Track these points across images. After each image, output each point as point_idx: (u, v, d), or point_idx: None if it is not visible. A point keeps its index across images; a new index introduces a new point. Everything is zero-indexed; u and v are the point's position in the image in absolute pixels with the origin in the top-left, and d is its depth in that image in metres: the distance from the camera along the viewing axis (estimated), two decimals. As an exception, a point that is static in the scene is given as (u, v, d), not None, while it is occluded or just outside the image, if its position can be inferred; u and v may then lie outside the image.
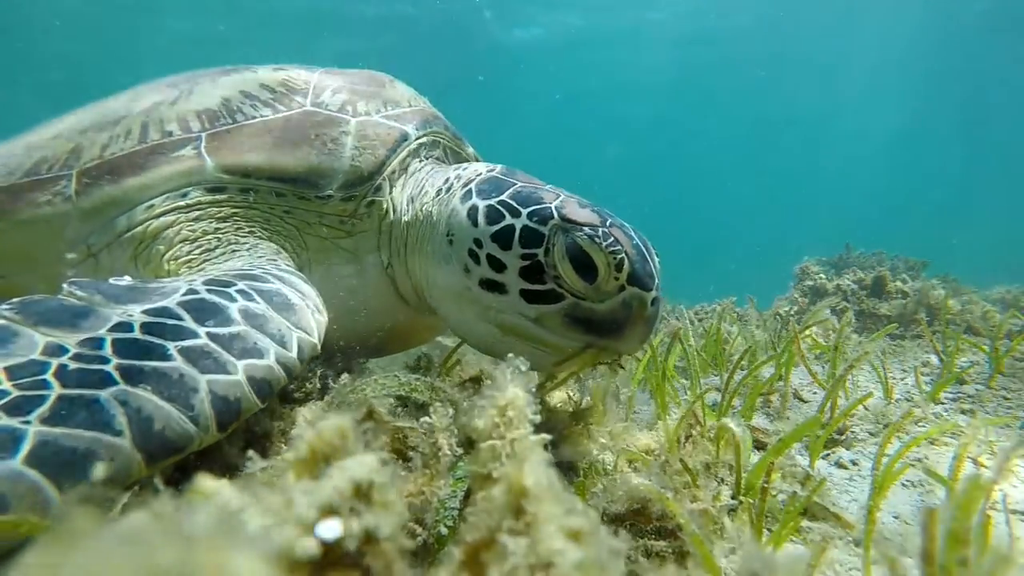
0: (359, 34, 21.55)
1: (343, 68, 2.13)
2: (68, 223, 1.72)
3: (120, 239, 1.72)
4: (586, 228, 1.45)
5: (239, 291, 1.30)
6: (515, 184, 1.60)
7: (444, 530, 0.92)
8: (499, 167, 1.73)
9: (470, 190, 1.64)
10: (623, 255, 1.43)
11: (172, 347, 1.09)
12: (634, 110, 37.11)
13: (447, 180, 1.76)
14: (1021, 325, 3.46)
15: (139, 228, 1.70)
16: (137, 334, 1.11)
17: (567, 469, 1.42)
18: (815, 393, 2.40)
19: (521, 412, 0.65)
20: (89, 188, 1.71)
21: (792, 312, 4.70)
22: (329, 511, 0.54)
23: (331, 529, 0.53)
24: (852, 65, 28.61)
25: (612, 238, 1.44)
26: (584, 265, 1.44)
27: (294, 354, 1.24)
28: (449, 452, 0.97)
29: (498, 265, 1.51)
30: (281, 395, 1.48)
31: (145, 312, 1.18)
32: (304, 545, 0.51)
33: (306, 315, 1.35)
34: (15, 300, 1.14)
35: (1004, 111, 32.88)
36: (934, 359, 2.75)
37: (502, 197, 1.56)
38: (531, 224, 1.49)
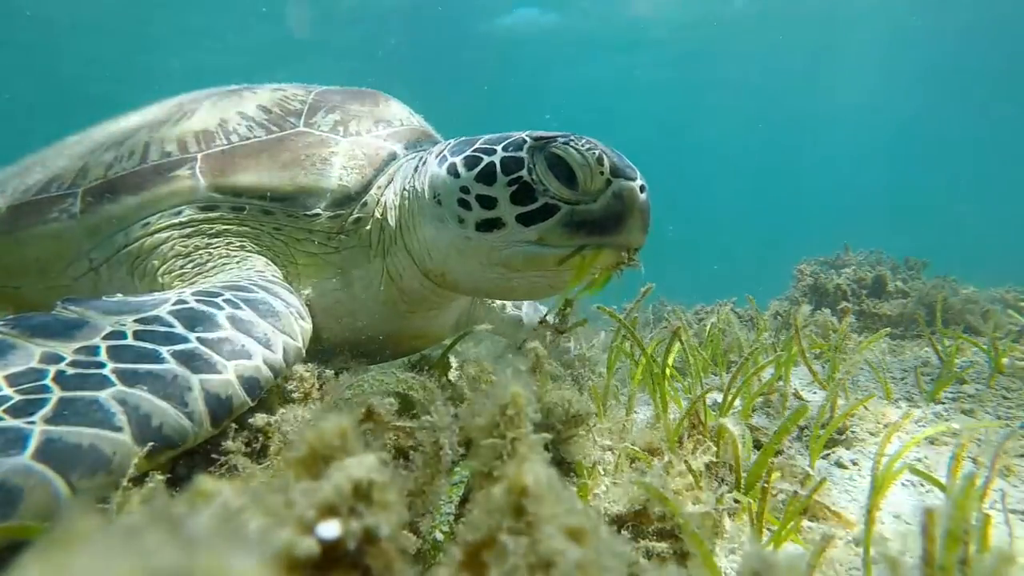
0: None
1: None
2: (73, 238, 1.82)
3: (119, 254, 1.80)
4: (559, 138, 1.54)
5: (226, 300, 1.38)
6: (483, 137, 1.68)
7: (440, 535, 0.92)
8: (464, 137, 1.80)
9: (443, 154, 1.70)
10: (599, 151, 1.52)
11: (165, 351, 1.15)
12: (631, 108, 37.11)
13: (421, 158, 1.82)
14: (1021, 325, 3.46)
15: (135, 244, 1.78)
16: (130, 340, 1.17)
17: (568, 469, 1.42)
18: (815, 393, 2.40)
19: (522, 411, 0.65)
20: (92, 206, 1.80)
21: (792, 312, 4.69)
22: (329, 511, 0.54)
23: (331, 529, 0.53)
24: (852, 63, 28.60)
25: (584, 139, 1.54)
26: (567, 171, 1.52)
27: (279, 355, 1.31)
28: (451, 451, 0.97)
29: (489, 202, 1.57)
30: (280, 395, 1.49)
31: (137, 321, 1.25)
32: (304, 545, 0.51)
33: (290, 321, 1.42)
34: (9, 317, 1.20)
35: (1008, 108, 32.80)
36: (934, 359, 2.74)
37: (475, 146, 1.65)
38: (508, 153, 1.58)
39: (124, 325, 1.22)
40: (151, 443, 0.98)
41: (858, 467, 1.75)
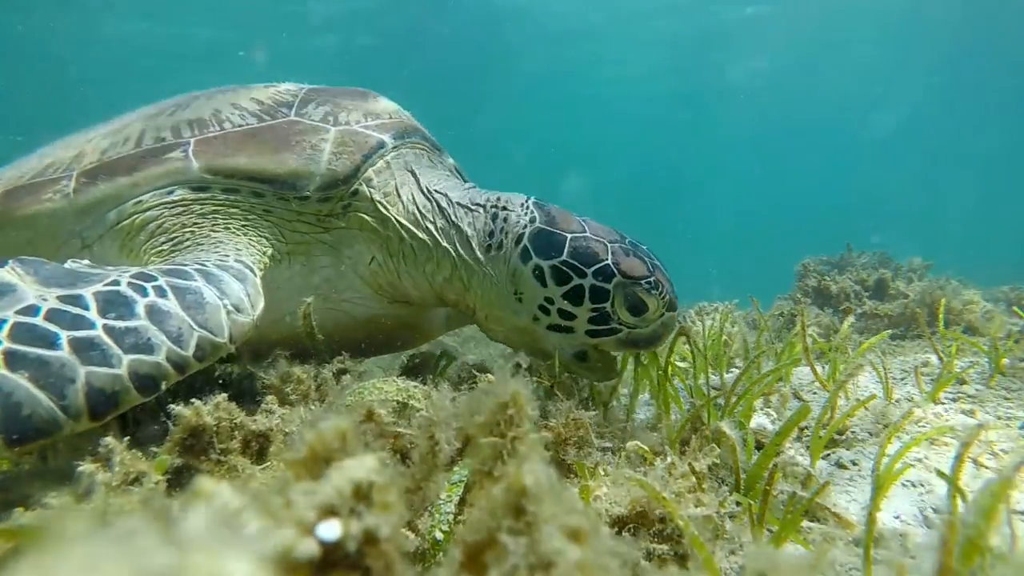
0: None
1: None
2: (66, 218, 1.88)
3: (111, 231, 1.86)
4: (642, 282, 1.79)
5: (155, 286, 1.35)
6: (567, 238, 1.83)
7: (440, 535, 0.92)
8: (535, 207, 1.92)
9: (526, 248, 1.85)
10: (668, 295, 1.82)
11: (64, 336, 1.13)
12: (633, 108, 37.12)
13: (491, 233, 1.92)
14: (1022, 325, 3.45)
15: (127, 221, 1.84)
16: (39, 320, 1.15)
17: (568, 470, 1.42)
18: (815, 393, 2.39)
19: (522, 410, 0.64)
20: (85, 186, 1.86)
21: (793, 312, 4.68)
22: (329, 512, 0.54)
23: (331, 530, 0.53)
24: (852, 61, 28.54)
25: (660, 285, 1.80)
26: (637, 308, 1.80)
27: (188, 352, 1.28)
28: (447, 447, 0.97)
29: (568, 316, 1.81)
30: (279, 397, 1.49)
31: (59, 298, 1.22)
32: (304, 546, 0.51)
33: (216, 315, 1.38)
34: None
35: (1013, 104, 32.60)
36: (934, 359, 2.74)
37: (563, 257, 1.81)
38: (597, 283, 1.79)
39: (45, 300, 1.21)
40: (17, 433, 0.98)
41: (858, 468, 1.75)
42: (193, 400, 1.24)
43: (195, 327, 1.32)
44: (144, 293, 1.31)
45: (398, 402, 1.32)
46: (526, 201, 1.95)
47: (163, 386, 1.23)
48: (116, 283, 1.31)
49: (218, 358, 1.37)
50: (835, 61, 27.49)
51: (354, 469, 0.56)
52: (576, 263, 1.79)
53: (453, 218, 1.97)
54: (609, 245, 1.83)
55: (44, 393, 1.03)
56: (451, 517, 0.93)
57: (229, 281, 1.50)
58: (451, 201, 1.99)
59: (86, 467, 1.02)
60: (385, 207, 1.94)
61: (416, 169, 2.03)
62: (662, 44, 24.37)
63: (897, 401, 2.22)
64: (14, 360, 1.05)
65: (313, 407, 1.46)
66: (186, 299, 1.36)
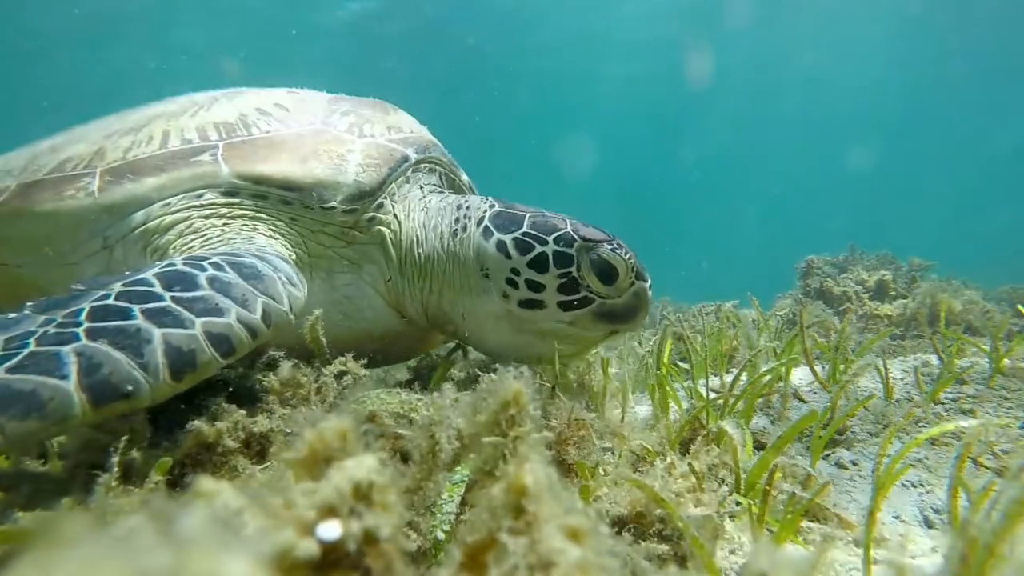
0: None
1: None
2: (88, 216, 1.84)
3: (135, 232, 1.85)
4: (604, 244, 1.81)
5: (212, 263, 1.41)
6: (525, 215, 1.89)
7: (441, 535, 0.92)
8: (496, 201, 2.00)
9: (487, 227, 1.89)
10: (634, 259, 1.82)
11: (137, 308, 1.20)
12: (634, 108, 37.11)
13: (457, 220, 1.99)
14: (1022, 325, 3.45)
15: (154, 222, 1.84)
16: (111, 301, 1.23)
17: (569, 470, 1.42)
18: (815, 393, 2.39)
19: (523, 409, 0.64)
20: (111, 185, 1.84)
21: (795, 312, 4.68)
22: (329, 512, 0.54)
23: (331, 530, 0.53)
24: (852, 58, 28.49)
25: (623, 248, 1.81)
26: (606, 272, 1.80)
27: (257, 316, 1.33)
28: (448, 447, 0.97)
29: (536, 286, 1.81)
30: (279, 398, 1.49)
31: (123, 284, 1.30)
32: (304, 546, 0.51)
33: (275, 284, 1.44)
34: (38, 300, 1.31)
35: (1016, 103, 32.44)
36: (934, 359, 2.74)
37: (524, 229, 1.85)
38: (560, 248, 1.81)
39: (112, 288, 1.29)
40: (100, 391, 1.02)
41: (858, 467, 1.75)
42: (197, 401, 1.25)
43: (258, 294, 1.37)
44: (203, 269, 1.37)
45: (399, 414, 1.32)
46: (488, 197, 2.04)
47: (238, 351, 1.26)
48: (172, 264, 1.38)
49: (280, 332, 1.40)
50: (836, 58, 27.44)
51: (354, 469, 0.56)
52: (536, 232, 1.84)
53: (437, 220, 2.03)
54: (568, 221, 1.88)
55: (123, 353, 1.08)
56: (453, 517, 0.93)
57: (277, 260, 1.56)
58: (439, 212, 2.07)
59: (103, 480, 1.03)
60: (401, 222, 2.00)
61: (423, 186, 2.10)
62: (658, 37, 24.35)
63: (897, 401, 2.22)
64: (94, 333, 1.12)
65: (314, 407, 1.46)
66: (243, 271, 1.41)
